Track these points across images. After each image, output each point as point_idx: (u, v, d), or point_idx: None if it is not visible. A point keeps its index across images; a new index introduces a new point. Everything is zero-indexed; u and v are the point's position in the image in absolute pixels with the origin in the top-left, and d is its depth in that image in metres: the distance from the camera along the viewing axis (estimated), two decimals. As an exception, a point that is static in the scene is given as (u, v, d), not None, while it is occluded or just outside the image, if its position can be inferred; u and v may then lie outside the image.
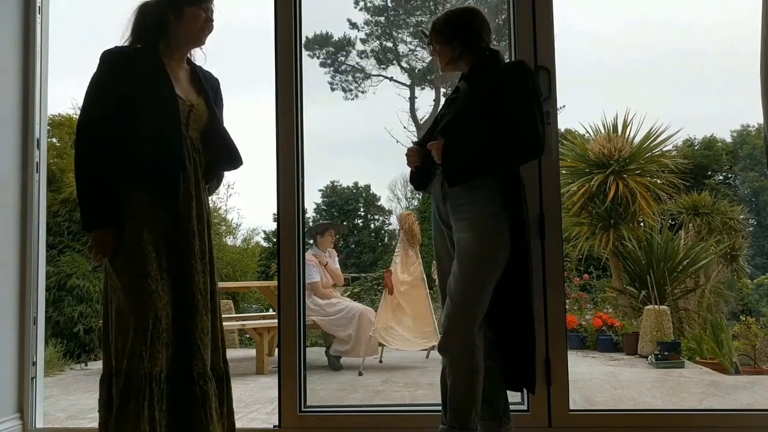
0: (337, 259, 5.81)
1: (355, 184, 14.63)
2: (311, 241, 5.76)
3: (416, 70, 14.62)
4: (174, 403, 2.09)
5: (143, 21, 2.21)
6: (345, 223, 14.01)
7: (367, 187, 14.61)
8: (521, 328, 2.27)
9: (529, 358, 2.29)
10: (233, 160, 2.33)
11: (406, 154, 2.46)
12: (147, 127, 2.11)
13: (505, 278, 2.23)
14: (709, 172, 13.21)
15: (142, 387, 2.01)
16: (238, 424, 3.21)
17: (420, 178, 2.45)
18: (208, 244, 2.24)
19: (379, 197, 14.50)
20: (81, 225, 2.14)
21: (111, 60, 2.16)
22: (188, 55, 2.30)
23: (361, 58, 14.68)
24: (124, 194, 2.10)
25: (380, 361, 5.54)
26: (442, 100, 14.67)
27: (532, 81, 2.27)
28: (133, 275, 2.06)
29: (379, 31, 14.74)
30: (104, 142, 2.09)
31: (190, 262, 2.14)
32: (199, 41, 2.27)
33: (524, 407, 2.71)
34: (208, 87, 2.30)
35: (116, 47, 2.19)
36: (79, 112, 2.17)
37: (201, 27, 2.23)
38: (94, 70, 2.17)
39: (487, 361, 2.27)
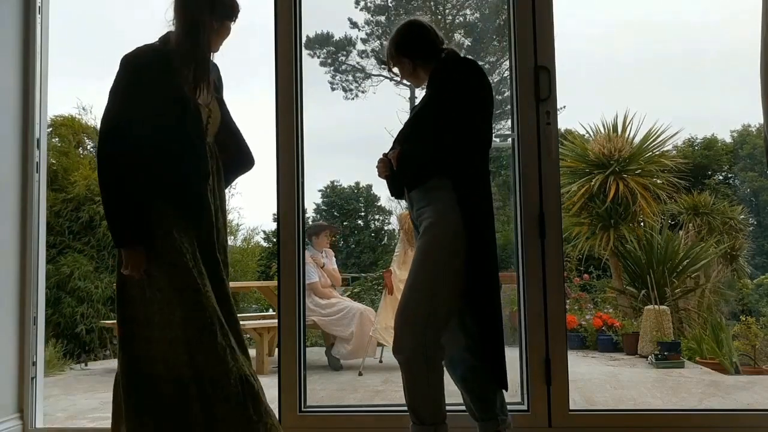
0: (334, 259, 5.81)
1: (356, 184, 14.62)
2: (308, 242, 5.76)
3: (416, 70, 14.58)
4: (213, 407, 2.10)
5: (192, 16, 2.13)
6: (345, 223, 14.00)
7: (368, 187, 14.61)
8: (486, 326, 2.25)
9: (496, 356, 2.27)
10: (245, 162, 2.33)
11: (376, 166, 2.48)
12: (174, 140, 2.07)
13: (468, 275, 2.21)
14: (709, 172, 13.21)
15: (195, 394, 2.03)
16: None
17: (396, 187, 2.46)
18: (226, 252, 2.24)
19: (380, 197, 14.51)
20: (113, 241, 2.08)
21: (138, 63, 2.09)
22: None
23: (362, 58, 14.67)
24: (155, 208, 2.05)
25: (380, 361, 5.54)
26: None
27: (466, 75, 2.27)
28: (189, 290, 2.03)
29: (380, 31, 14.72)
30: (130, 154, 2.03)
31: (220, 274, 2.14)
32: (217, 51, 2.27)
33: (524, 407, 2.71)
34: (214, 80, 2.27)
35: (143, 48, 2.13)
36: (101, 116, 2.11)
37: (224, 39, 2.24)
38: (116, 71, 2.09)
39: (475, 361, 2.29)
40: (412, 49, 2.42)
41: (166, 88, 2.07)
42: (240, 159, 2.32)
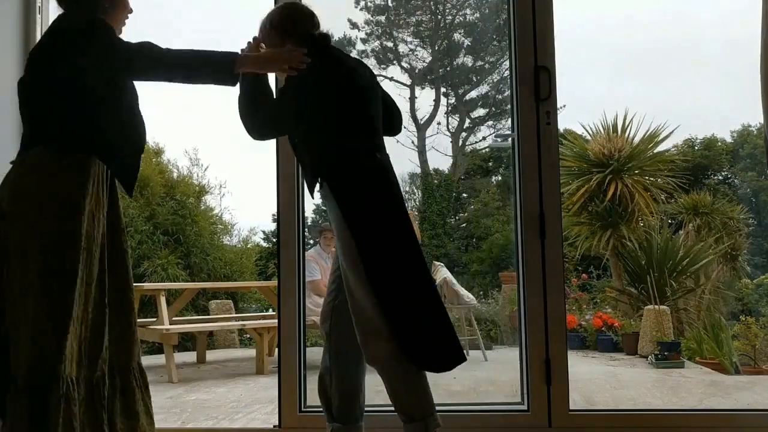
0: None
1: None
2: (311, 241, 5.75)
3: (416, 70, 14.60)
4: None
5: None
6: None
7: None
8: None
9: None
10: None
11: None
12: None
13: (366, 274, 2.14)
14: (709, 172, 13.22)
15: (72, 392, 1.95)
16: (239, 424, 3.24)
17: None
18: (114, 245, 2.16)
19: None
20: (227, 75, 2.04)
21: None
22: None
23: (362, 58, 14.65)
24: None
25: (380, 361, 5.53)
26: (443, 100, 14.73)
27: (323, 67, 2.21)
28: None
29: (380, 31, 14.73)
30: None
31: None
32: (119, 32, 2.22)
33: (524, 407, 2.71)
34: None
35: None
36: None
37: (125, 18, 2.20)
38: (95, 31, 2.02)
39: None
40: (287, 31, 2.31)
41: None
42: None
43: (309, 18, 2.38)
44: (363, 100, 2.25)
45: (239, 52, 2.21)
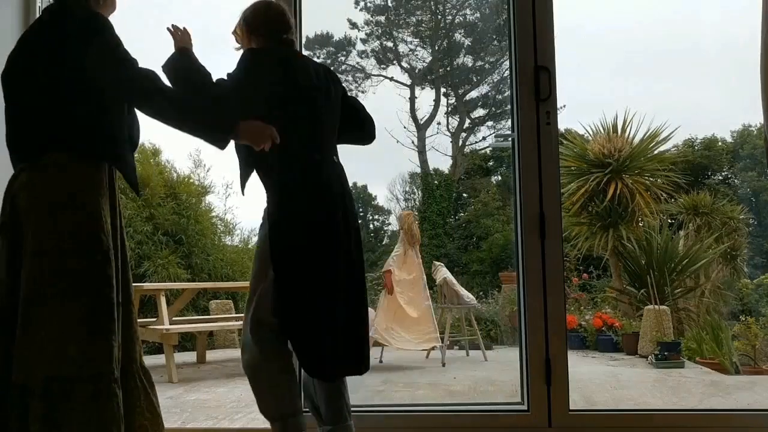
0: None
1: (354, 184, 14.63)
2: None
3: (416, 70, 14.60)
4: None
5: None
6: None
7: (364, 188, 14.63)
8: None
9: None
10: None
11: None
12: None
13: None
14: (709, 172, 13.22)
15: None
16: (239, 424, 3.24)
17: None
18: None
19: (375, 197, 14.53)
20: (222, 135, 2.10)
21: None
22: None
23: (362, 58, 14.67)
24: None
25: (380, 361, 5.53)
26: (443, 100, 14.72)
27: (241, 62, 2.25)
28: None
29: (380, 31, 14.72)
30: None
31: None
32: None
33: (524, 407, 2.71)
34: None
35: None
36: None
37: (114, 9, 2.19)
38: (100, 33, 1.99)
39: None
40: (253, 28, 2.35)
41: None
42: None
43: (278, 17, 2.37)
44: (303, 101, 2.25)
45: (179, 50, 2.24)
